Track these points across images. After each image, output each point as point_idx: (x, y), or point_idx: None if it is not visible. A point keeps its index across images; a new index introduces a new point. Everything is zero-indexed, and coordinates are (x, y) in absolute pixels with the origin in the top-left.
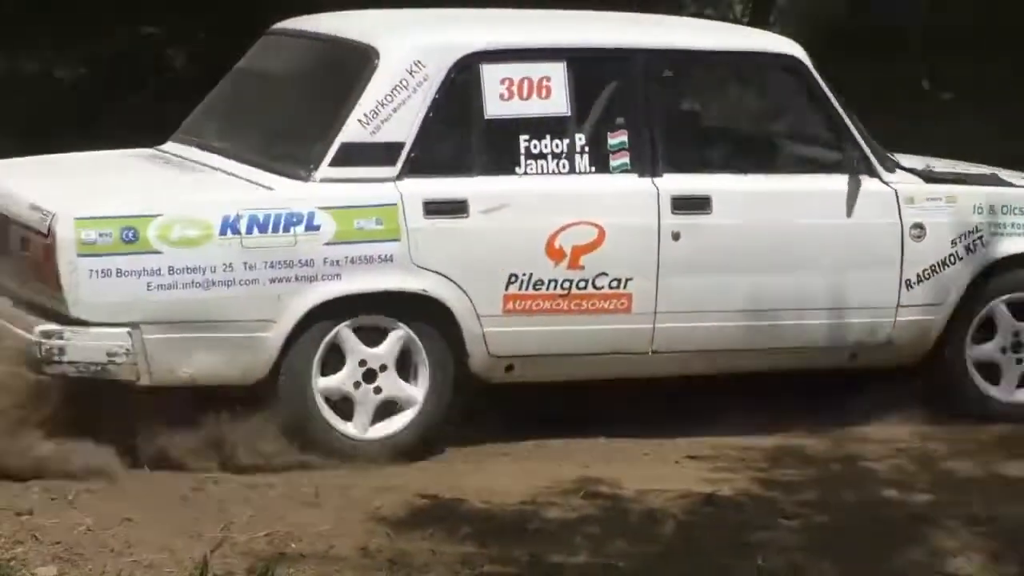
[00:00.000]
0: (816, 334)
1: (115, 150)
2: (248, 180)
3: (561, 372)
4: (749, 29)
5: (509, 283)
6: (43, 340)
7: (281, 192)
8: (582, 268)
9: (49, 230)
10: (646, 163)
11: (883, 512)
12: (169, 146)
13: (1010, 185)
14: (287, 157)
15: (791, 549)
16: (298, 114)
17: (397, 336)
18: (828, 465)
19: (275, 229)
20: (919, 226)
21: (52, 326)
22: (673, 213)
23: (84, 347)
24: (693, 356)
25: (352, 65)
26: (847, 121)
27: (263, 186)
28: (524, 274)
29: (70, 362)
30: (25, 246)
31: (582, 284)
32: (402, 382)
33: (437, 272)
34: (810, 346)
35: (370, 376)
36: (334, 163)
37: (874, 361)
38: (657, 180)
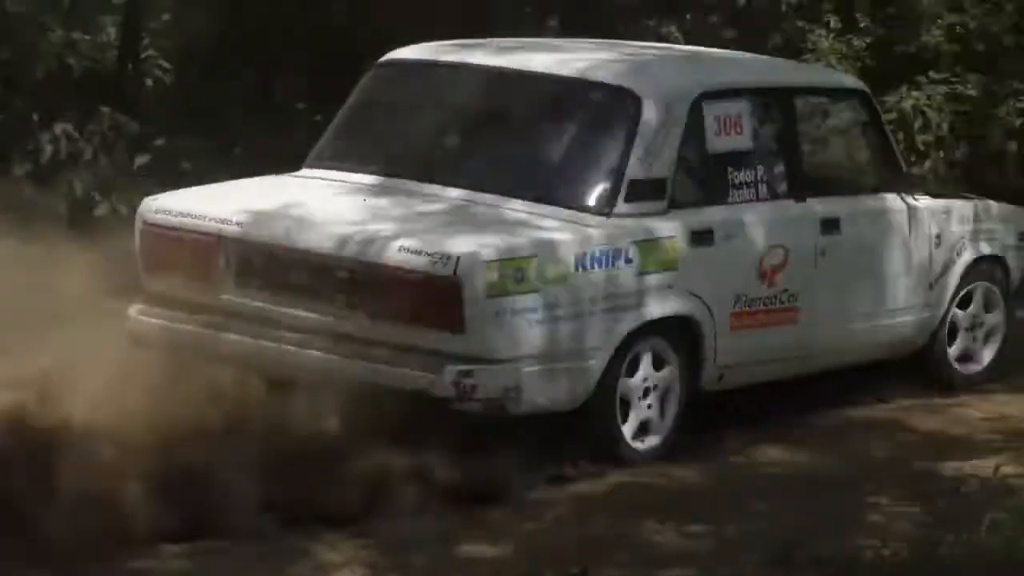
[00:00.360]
0: (892, 332)
1: (288, 176)
2: (565, 220)
3: (750, 378)
4: (821, 66)
5: (735, 302)
6: (460, 379)
7: (603, 229)
8: (775, 286)
9: (456, 274)
10: (798, 189)
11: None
12: (337, 174)
13: (972, 199)
14: (575, 194)
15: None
16: (563, 152)
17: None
18: None
19: (606, 264)
20: (938, 236)
21: (464, 366)
22: (822, 234)
23: (491, 385)
24: (827, 356)
25: (615, 107)
26: (895, 146)
27: (587, 225)
28: (744, 294)
29: (479, 399)
30: (398, 288)
31: (772, 300)
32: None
33: (696, 296)
34: (885, 342)
35: (646, 392)
36: (627, 200)
37: (897, 353)
38: (806, 205)
